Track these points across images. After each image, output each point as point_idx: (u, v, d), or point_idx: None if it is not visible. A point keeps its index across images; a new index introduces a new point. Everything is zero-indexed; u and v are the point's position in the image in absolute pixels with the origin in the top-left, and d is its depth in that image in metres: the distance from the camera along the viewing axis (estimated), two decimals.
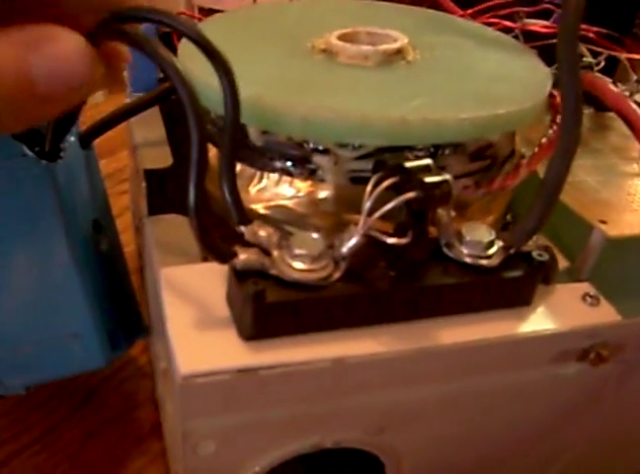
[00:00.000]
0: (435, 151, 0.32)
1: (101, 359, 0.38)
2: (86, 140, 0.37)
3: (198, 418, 0.27)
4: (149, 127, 0.43)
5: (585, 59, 0.43)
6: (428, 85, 0.33)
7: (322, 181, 0.32)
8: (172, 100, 0.38)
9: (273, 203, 0.33)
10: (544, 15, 0.45)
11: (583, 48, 0.43)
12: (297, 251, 0.27)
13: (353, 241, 0.27)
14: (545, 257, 0.30)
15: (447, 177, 0.27)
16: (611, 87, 0.37)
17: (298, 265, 0.27)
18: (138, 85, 0.45)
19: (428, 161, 0.28)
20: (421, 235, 0.28)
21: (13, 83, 0.21)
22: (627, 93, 0.43)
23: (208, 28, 0.30)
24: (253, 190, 0.33)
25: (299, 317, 0.27)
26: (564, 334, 0.30)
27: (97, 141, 0.38)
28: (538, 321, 0.30)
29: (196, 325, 0.28)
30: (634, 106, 0.36)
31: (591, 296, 0.31)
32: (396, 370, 0.29)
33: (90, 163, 0.37)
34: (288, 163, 0.32)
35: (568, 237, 0.34)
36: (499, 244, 0.30)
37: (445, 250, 0.30)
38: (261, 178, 0.33)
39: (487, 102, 0.32)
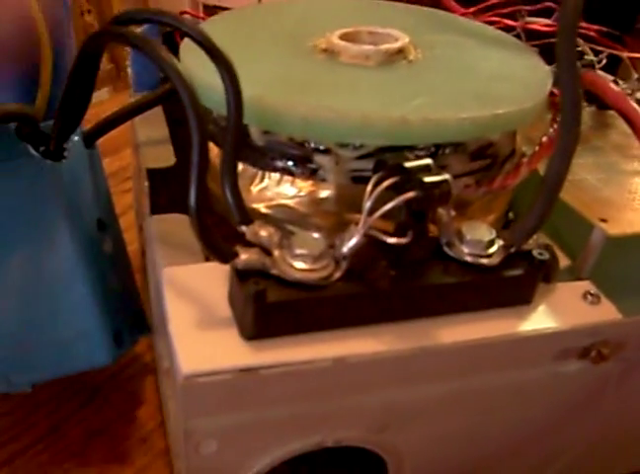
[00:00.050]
0: (435, 150, 0.32)
1: (106, 357, 0.38)
2: (90, 140, 0.37)
3: (199, 417, 0.27)
4: (152, 127, 0.43)
5: (586, 57, 0.43)
6: (429, 84, 0.33)
7: (323, 180, 0.32)
8: (175, 99, 0.38)
9: (274, 203, 0.33)
10: (546, 13, 0.45)
11: (584, 47, 0.43)
12: (298, 251, 0.27)
13: (353, 241, 0.27)
14: (546, 255, 0.30)
15: (447, 176, 0.27)
16: (612, 85, 0.37)
17: (299, 264, 0.27)
18: (141, 84, 0.45)
19: (427, 161, 0.28)
20: (421, 235, 0.28)
21: None
22: (629, 91, 0.43)
23: (210, 27, 0.30)
24: (254, 189, 0.33)
25: (300, 317, 0.27)
26: (565, 332, 0.30)
27: (101, 139, 0.38)
28: (539, 319, 0.30)
29: (197, 324, 0.28)
30: (634, 104, 0.36)
31: (591, 295, 0.31)
32: (397, 369, 0.29)
33: (94, 162, 0.38)
34: (290, 163, 0.32)
35: (569, 235, 0.34)
36: (499, 243, 0.30)
37: (446, 249, 0.30)
38: (262, 177, 0.33)
39: (487, 101, 0.32)
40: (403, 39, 0.36)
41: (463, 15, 0.46)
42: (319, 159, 0.32)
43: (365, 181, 0.28)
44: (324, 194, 0.32)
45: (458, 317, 0.29)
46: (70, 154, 0.34)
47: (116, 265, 0.40)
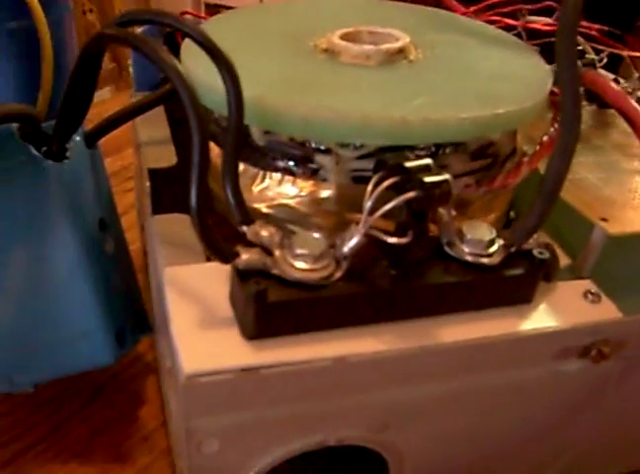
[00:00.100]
0: (436, 150, 0.32)
1: (109, 357, 0.38)
2: (91, 140, 0.37)
3: (201, 416, 0.28)
4: (154, 127, 0.43)
5: (587, 56, 0.43)
6: (429, 84, 0.33)
7: (324, 180, 0.32)
8: (176, 99, 0.39)
9: (275, 203, 0.33)
10: (547, 12, 0.45)
11: (586, 46, 0.43)
12: (299, 251, 0.27)
13: (354, 240, 0.27)
14: (546, 255, 0.30)
15: (447, 176, 0.27)
16: (612, 84, 0.37)
17: (300, 264, 0.27)
18: (142, 84, 0.45)
19: (427, 161, 0.28)
20: (421, 234, 0.28)
21: None
22: (629, 89, 0.43)
23: (211, 28, 0.30)
24: (255, 189, 0.33)
25: (301, 316, 0.27)
26: (565, 331, 0.30)
27: (102, 139, 0.38)
28: (540, 318, 0.30)
29: (199, 324, 0.28)
30: (634, 103, 0.36)
31: (592, 293, 0.31)
32: (398, 369, 0.29)
33: (95, 162, 0.38)
34: (291, 163, 0.33)
35: (569, 234, 0.34)
36: (500, 242, 0.30)
37: (447, 248, 0.30)
38: (263, 177, 0.33)
39: (488, 101, 0.32)
40: (404, 39, 0.36)
41: (464, 14, 0.46)
42: (320, 159, 0.32)
43: (366, 181, 0.28)
44: (325, 193, 0.32)
45: (459, 316, 0.30)
46: (72, 154, 0.35)
47: (117, 264, 0.40)
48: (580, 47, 0.43)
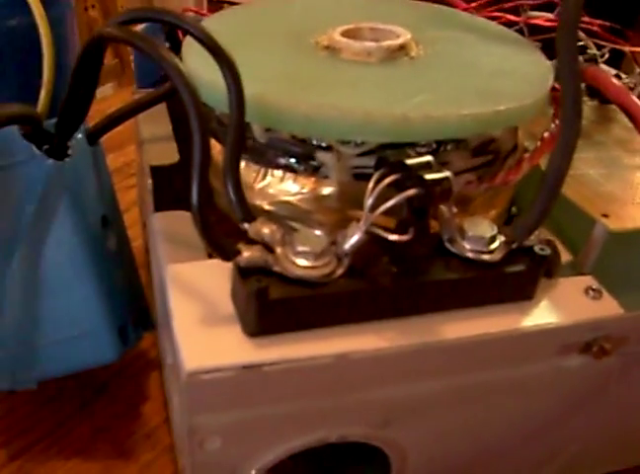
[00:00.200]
0: (437, 147, 0.32)
1: (112, 354, 0.38)
2: (93, 137, 0.37)
3: (203, 413, 0.28)
4: (156, 124, 0.43)
5: (589, 52, 0.43)
6: (430, 81, 0.33)
7: (325, 177, 0.32)
8: (179, 97, 0.39)
9: (276, 200, 0.33)
10: (548, 8, 0.45)
11: (587, 41, 0.43)
12: (300, 248, 0.27)
13: (355, 238, 0.27)
14: (547, 251, 0.30)
15: (448, 174, 0.27)
16: (613, 80, 0.37)
17: (301, 262, 0.27)
18: (145, 80, 0.45)
19: (428, 158, 0.28)
20: (422, 231, 0.28)
21: None
22: (631, 85, 0.43)
23: (212, 25, 0.30)
24: (257, 186, 0.33)
25: (302, 313, 0.27)
26: (567, 327, 0.30)
27: (105, 135, 0.38)
28: (541, 315, 0.30)
29: (201, 321, 0.28)
30: (635, 98, 0.36)
31: (593, 290, 0.32)
32: (399, 365, 0.29)
33: (97, 159, 0.38)
34: (292, 160, 0.33)
35: (571, 231, 0.34)
36: (501, 239, 0.30)
37: (448, 245, 0.30)
38: (265, 174, 0.33)
39: (489, 97, 0.32)
40: (405, 36, 0.36)
41: (465, 10, 0.46)
42: (321, 156, 0.32)
43: (367, 178, 0.28)
44: (326, 191, 0.32)
45: (460, 313, 0.30)
46: (74, 152, 0.35)
47: (120, 261, 0.40)
48: (581, 43, 0.43)
